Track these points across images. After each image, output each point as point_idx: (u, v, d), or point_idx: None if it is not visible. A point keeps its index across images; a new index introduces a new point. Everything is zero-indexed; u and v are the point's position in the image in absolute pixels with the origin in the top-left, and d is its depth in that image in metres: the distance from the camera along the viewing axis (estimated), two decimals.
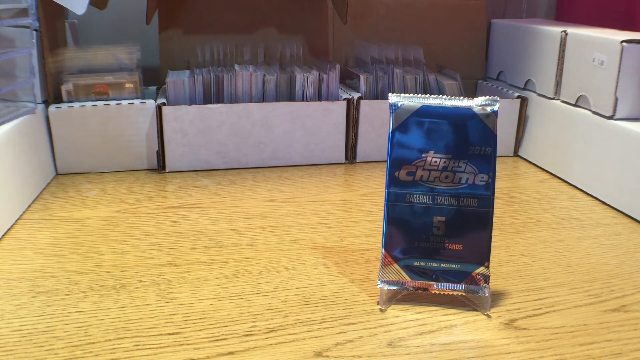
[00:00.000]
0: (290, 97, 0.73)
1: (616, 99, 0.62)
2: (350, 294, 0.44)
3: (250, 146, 0.71)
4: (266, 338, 0.38)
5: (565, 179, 0.69)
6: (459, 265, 0.41)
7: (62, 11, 0.76)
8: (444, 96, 0.41)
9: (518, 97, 0.77)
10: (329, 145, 0.74)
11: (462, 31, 0.86)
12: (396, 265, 0.42)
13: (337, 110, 0.73)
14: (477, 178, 0.41)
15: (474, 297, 0.42)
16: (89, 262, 0.48)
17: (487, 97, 0.41)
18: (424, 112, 0.41)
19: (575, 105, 0.69)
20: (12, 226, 0.55)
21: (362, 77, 0.74)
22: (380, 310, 0.42)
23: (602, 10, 0.88)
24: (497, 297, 0.43)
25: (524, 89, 0.80)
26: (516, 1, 0.97)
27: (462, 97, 0.41)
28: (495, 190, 0.65)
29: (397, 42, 0.81)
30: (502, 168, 0.75)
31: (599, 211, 0.61)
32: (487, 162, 0.41)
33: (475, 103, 0.41)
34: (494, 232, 0.55)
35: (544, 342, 0.38)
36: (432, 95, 0.41)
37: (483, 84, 0.87)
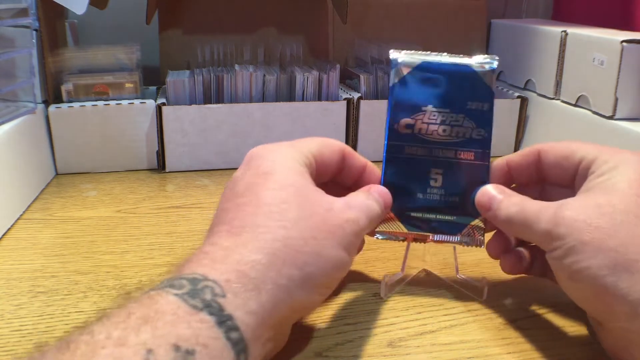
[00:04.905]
0: (290, 97, 0.73)
1: (616, 99, 0.62)
2: (350, 294, 0.44)
3: (250, 146, 0.70)
4: None
5: None
6: (455, 217, 0.42)
7: (62, 11, 0.76)
8: (444, 53, 0.43)
9: (518, 97, 0.77)
10: None
11: (462, 31, 0.86)
12: (394, 217, 0.42)
13: (337, 110, 0.73)
14: (475, 132, 0.42)
15: (471, 287, 0.43)
16: (89, 262, 0.48)
17: (486, 55, 0.42)
18: (424, 68, 0.42)
19: (575, 105, 0.69)
20: (12, 226, 0.55)
21: (362, 77, 0.74)
22: (382, 297, 0.42)
23: (599, 10, 0.88)
24: (497, 297, 0.43)
25: (524, 89, 0.80)
26: (516, 1, 0.97)
27: (461, 55, 0.43)
28: None
29: (397, 42, 0.81)
30: None
31: None
32: (484, 117, 0.42)
33: (475, 61, 0.42)
34: (494, 232, 0.55)
35: (545, 342, 0.38)
36: (433, 53, 0.43)
37: None
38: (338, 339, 0.38)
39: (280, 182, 0.35)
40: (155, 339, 0.25)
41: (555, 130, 0.72)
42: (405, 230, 0.42)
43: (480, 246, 0.42)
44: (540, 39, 0.75)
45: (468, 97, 0.42)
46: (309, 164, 0.38)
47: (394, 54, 0.43)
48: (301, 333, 0.39)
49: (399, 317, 0.41)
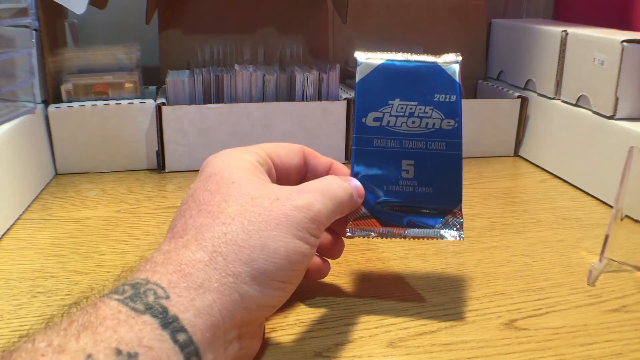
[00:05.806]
0: (290, 97, 0.73)
1: (617, 99, 0.62)
2: (349, 294, 0.44)
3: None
4: (266, 338, 0.38)
5: (566, 179, 0.69)
6: (429, 210, 0.41)
7: (62, 11, 0.76)
8: (409, 54, 0.44)
9: (518, 97, 0.77)
10: (329, 145, 0.74)
11: (462, 31, 0.86)
12: (366, 212, 0.41)
13: (337, 110, 0.73)
14: (444, 123, 0.42)
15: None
16: (89, 262, 0.48)
17: (451, 54, 0.43)
18: (388, 66, 0.43)
19: (575, 105, 0.69)
20: (11, 226, 0.55)
21: None
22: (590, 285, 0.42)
23: (599, 10, 0.88)
24: (497, 297, 0.43)
25: (525, 88, 0.79)
26: (516, 1, 0.97)
27: (427, 55, 0.44)
28: (495, 190, 0.65)
29: (397, 42, 0.81)
30: (502, 168, 0.74)
31: (599, 211, 0.61)
32: (452, 108, 0.42)
33: (440, 59, 0.43)
34: (494, 232, 0.55)
35: (544, 343, 0.38)
36: (400, 53, 0.44)
37: (483, 84, 0.87)
38: (338, 339, 0.38)
39: (219, 182, 0.34)
40: (95, 344, 0.25)
41: (556, 131, 0.72)
42: (378, 225, 0.41)
43: (458, 239, 0.41)
44: (541, 38, 0.75)
45: (434, 90, 0.42)
46: (264, 162, 0.38)
47: (358, 54, 0.44)
48: (301, 333, 0.39)
49: (399, 317, 0.41)
